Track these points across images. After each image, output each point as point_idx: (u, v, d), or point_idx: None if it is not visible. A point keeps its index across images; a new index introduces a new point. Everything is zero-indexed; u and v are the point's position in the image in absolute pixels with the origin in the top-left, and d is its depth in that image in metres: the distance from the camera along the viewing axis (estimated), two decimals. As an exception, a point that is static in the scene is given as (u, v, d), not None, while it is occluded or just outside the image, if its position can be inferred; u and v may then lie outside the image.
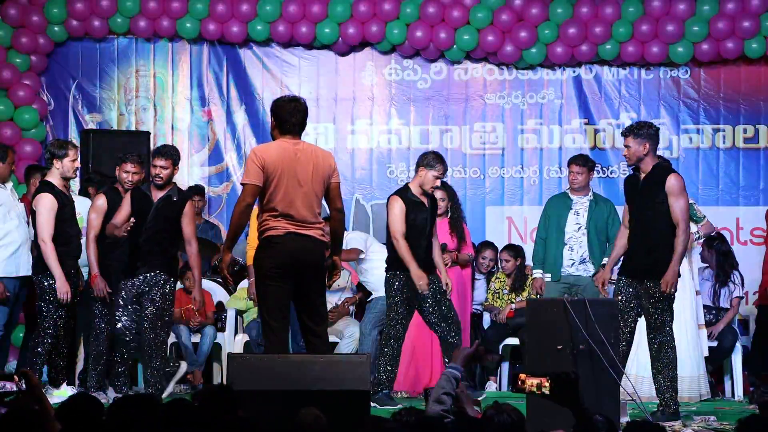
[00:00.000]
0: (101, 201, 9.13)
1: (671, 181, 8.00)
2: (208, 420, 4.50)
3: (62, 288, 8.68)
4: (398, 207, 8.86)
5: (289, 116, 7.15)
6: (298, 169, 7.09)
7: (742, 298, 10.12)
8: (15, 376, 5.13)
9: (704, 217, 9.66)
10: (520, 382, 5.22)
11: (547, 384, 5.16)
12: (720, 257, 10.05)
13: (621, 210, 8.68)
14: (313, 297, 7.26)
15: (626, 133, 8.14)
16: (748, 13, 11.10)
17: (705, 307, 9.89)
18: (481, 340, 8.93)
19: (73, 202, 9.04)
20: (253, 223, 9.63)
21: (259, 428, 4.25)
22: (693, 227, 9.26)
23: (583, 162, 9.80)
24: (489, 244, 10.80)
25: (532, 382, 5.20)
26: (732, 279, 10.04)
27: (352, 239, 10.17)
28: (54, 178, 8.84)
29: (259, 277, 7.25)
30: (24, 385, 5.08)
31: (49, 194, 8.73)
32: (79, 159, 9.05)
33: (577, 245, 9.68)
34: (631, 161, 8.15)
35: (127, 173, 9.06)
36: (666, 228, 8.00)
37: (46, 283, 8.75)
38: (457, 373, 5.40)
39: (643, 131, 8.07)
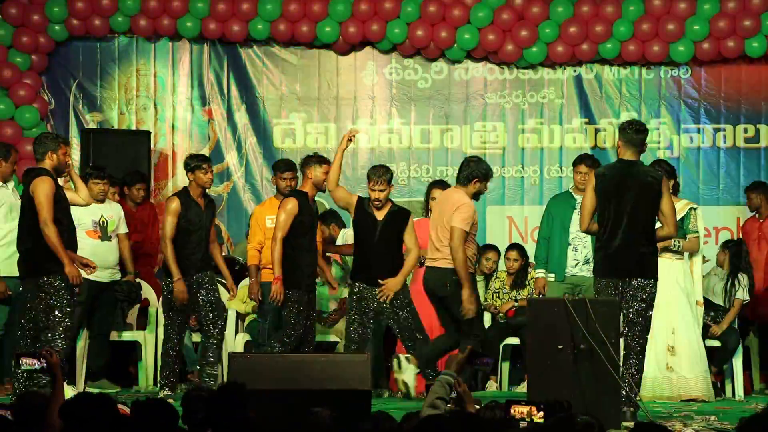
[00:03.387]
0: None
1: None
2: (220, 418, 4.50)
3: (72, 272, 8.18)
4: None
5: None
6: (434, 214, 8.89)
7: (745, 300, 10.05)
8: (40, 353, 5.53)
9: (696, 231, 9.40)
10: (511, 410, 5.27)
11: (537, 413, 5.20)
12: (734, 258, 10.03)
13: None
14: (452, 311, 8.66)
15: None
16: (748, 12, 11.10)
17: (716, 306, 9.88)
18: (479, 342, 8.89)
19: (66, 198, 8.94)
20: (254, 225, 9.69)
21: (268, 429, 4.25)
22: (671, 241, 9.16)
23: (591, 162, 9.73)
24: (492, 247, 10.71)
25: (522, 410, 5.24)
26: (739, 281, 9.99)
27: (350, 236, 10.15)
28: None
29: None
30: (45, 364, 5.44)
31: (48, 177, 8.29)
32: (70, 154, 9.00)
33: (581, 245, 9.62)
34: None
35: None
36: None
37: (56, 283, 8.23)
38: (450, 378, 5.46)
39: (621, 127, 8.04)
